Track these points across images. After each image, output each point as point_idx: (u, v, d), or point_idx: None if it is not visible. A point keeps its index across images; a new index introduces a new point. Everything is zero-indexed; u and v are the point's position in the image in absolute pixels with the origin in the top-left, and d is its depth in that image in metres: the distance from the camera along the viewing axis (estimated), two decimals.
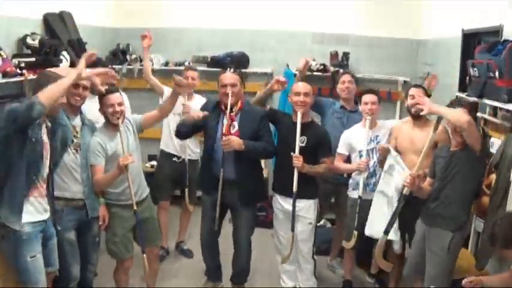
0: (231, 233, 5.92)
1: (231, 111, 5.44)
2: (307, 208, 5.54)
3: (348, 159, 6.03)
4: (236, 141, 5.27)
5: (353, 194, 5.98)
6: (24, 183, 4.25)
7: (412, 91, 5.56)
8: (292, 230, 5.44)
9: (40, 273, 4.40)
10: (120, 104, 5.04)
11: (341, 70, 8.17)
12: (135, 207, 5.08)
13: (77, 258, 4.99)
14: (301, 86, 5.53)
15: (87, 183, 4.93)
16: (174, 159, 6.87)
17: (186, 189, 6.84)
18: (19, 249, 4.29)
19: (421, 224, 4.99)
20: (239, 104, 5.53)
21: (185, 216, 7.21)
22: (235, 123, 5.48)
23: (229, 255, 6.04)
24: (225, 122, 5.45)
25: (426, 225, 4.92)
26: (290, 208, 5.48)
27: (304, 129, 5.33)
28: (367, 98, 5.85)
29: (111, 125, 5.07)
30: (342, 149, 6.00)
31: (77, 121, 4.91)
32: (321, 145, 5.49)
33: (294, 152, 5.24)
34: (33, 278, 4.36)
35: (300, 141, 5.30)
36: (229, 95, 5.35)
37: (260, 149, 5.48)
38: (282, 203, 5.65)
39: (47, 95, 4.07)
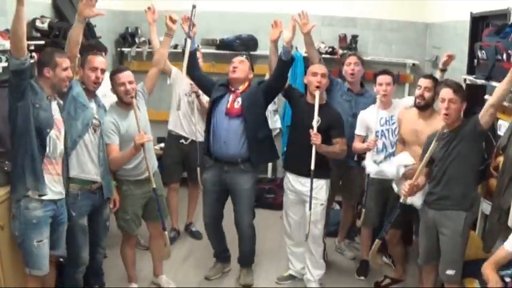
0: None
1: (237, 89, 5.58)
2: (318, 188, 5.55)
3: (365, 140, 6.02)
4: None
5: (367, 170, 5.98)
6: (37, 151, 4.29)
7: (421, 81, 5.48)
8: (310, 208, 5.43)
9: (45, 259, 4.46)
10: (130, 82, 5.08)
11: (349, 52, 8.19)
12: (153, 185, 5.18)
13: (87, 243, 5.02)
14: (318, 67, 5.58)
15: (104, 163, 4.97)
16: (181, 140, 6.88)
17: (198, 169, 6.71)
18: (27, 232, 4.35)
19: (428, 210, 4.95)
20: (245, 84, 5.64)
21: (193, 197, 7.26)
22: (239, 99, 5.57)
23: (234, 239, 6.13)
24: (230, 99, 5.58)
25: (435, 210, 4.88)
26: (301, 188, 5.56)
27: (318, 110, 5.34)
28: (382, 79, 5.87)
29: (123, 103, 5.13)
30: (359, 130, 6.03)
31: (93, 104, 4.93)
32: (334, 126, 5.50)
33: (308, 134, 5.26)
34: (37, 263, 4.43)
35: (314, 122, 5.31)
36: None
37: None
38: (293, 183, 5.68)
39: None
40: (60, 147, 4.52)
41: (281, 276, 6.23)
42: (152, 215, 5.48)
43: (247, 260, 6.11)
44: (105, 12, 5.00)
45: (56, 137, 4.46)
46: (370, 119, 5.89)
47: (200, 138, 6.65)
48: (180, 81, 6.73)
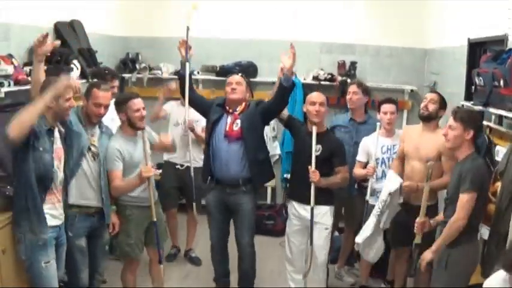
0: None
1: (235, 110, 5.59)
2: (323, 214, 5.57)
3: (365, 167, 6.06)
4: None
5: (371, 200, 6.02)
6: (39, 192, 4.32)
7: (427, 95, 5.64)
8: (311, 243, 5.51)
9: (54, 279, 4.49)
10: (144, 109, 5.22)
11: (348, 80, 8.24)
12: (154, 218, 5.29)
13: (86, 265, 5.03)
14: (316, 96, 5.61)
15: (105, 190, 5.01)
16: (177, 166, 6.98)
17: (194, 204, 6.79)
18: (34, 254, 4.37)
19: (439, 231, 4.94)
20: (243, 105, 5.65)
21: (192, 224, 7.26)
22: (238, 121, 5.58)
23: (233, 259, 6.11)
24: (229, 120, 5.59)
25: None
26: (306, 214, 5.56)
27: (319, 138, 5.39)
28: (387, 107, 5.96)
29: (129, 129, 5.21)
30: (360, 156, 6.09)
31: (95, 129, 4.99)
32: (335, 154, 5.53)
33: (310, 162, 5.31)
34: (47, 284, 4.44)
35: (315, 150, 5.35)
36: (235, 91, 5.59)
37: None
38: (297, 209, 5.68)
39: (16, 126, 4.07)
40: (61, 175, 4.57)
41: None
42: (153, 240, 5.48)
43: (247, 282, 6.05)
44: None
45: (57, 167, 4.51)
46: (371, 146, 5.96)
47: (195, 164, 6.70)
48: (176, 112, 6.92)
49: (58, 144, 4.52)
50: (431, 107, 5.43)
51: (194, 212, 6.82)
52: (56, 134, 4.52)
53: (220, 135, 5.60)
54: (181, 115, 6.75)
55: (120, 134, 5.24)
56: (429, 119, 5.43)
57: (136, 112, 5.14)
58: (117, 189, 5.10)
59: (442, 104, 5.51)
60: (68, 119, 4.69)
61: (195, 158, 6.74)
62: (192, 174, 6.63)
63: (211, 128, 5.70)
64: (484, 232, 5.12)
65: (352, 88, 6.44)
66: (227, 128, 5.57)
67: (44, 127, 4.33)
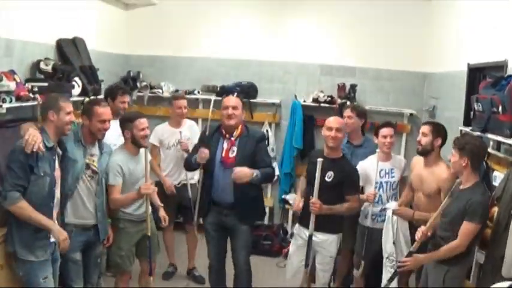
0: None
1: (231, 136, 5.57)
2: (329, 242, 5.59)
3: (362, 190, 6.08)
4: (244, 174, 5.36)
5: (364, 222, 6.09)
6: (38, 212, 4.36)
7: (422, 128, 5.62)
8: (306, 266, 5.57)
9: None
10: (148, 128, 5.44)
11: (348, 102, 8.26)
12: (149, 233, 5.48)
13: (81, 278, 5.08)
14: (334, 121, 5.54)
15: (101, 208, 5.09)
16: (174, 184, 6.95)
17: (195, 226, 6.96)
18: (32, 271, 4.42)
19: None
20: (239, 129, 5.63)
21: (192, 242, 7.26)
22: (234, 148, 5.58)
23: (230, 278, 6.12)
24: (225, 146, 5.59)
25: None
26: (314, 238, 5.55)
27: (333, 164, 5.44)
28: (385, 131, 5.99)
29: (132, 147, 5.36)
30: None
31: (95, 149, 5.06)
32: (347, 182, 5.51)
33: (319, 189, 5.33)
34: None
35: (327, 176, 5.39)
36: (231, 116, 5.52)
37: (264, 176, 5.56)
38: (306, 233, 5.63)
39: (21, 212, 4.29)
40: (58, 195, 4.64)
41: None
42: (144, 252, 5.63)
43: None
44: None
45: (55, 188, 4.58)
46: (369, 170, 5.99)
47: (192, 181, 6.88)
48: (167, 136, 6.98)
49: (56, 166, 4.58)
50: (424, 141, 5.44)
51: (195, 230, 6.87)
52: (56, 155, 4.59)
53: (217, 161, 5.61)
54: (172, 137, 6.88)
55: (123, 151, 5.38)
56: (426, 153, 5.46)
57: (141, 131, 5.31)
58: (115, 202, 5.23)
59: (436, 132, 5.48)
60: (64, 146, 4.78)
61: (193, 176, 6.84)
62: (190, 192, 6.69)
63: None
64: (480, 257, 5.14)
65: (347, 112, 6.51)
66: (223, 154, 5.59)
67: (45, 145, 4.37)
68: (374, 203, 5.94)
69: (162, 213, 5.88)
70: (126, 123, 5.36)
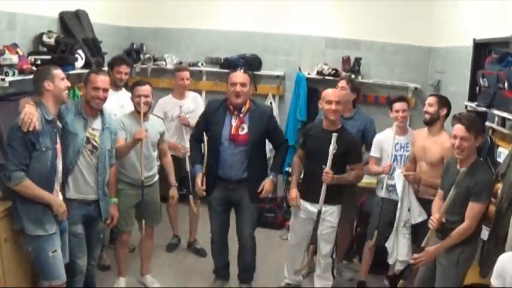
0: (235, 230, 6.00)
1: (240, 112, 5.53)
2: (330, 212, 5.64)
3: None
4: (269, 184, 5.72)
5: (379, 193, 6.13)
6: (42, 187, 4.38)
7: (428, 99, 5.67)
8: (312, 243, 5.68)
9: (61, 267, 4.56)
10: (146, 96, 5.59)
11: (353, 75, 8.23)
12: (142, 177, 5.61)
13: (84, 252, 5.08)
14: (332, 94, 5.57)
15: (102, 186, 5.07)
16: (177, 157, 6.92)
17: (191, 197, 6.95)
18: (41, 245, 4.41)
19: (435, 238, 4.94)
20: (247, 104, 5.58)
21: (194, 215, 7.26)
22: (245, 125, 5.55)
23: (233, 253, 6.16)
24: (233, 123, 5.55)
25: (437, 238, 4.90)
26: (313, 210, 5.61)
27: (332, 136, 5.43)
28: (398, 106, 5.98)
29: (136, 113, 5.56)
30: (374, 152, 6.15)
31: (97, 124, 5.02)
32: (350, 152, 5.56)
33: (325, 161, 5.36)
34: (56, 272, 4.51)
35: (330, 149, 5.39)
36: (239, 93, 5.46)
37: (282, 164, 5.90)
38: (307, 206, 5.72)
39: (26, 191, 4.32)
40: (60, 168, 4.63)
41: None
42: (145, 217, 5.76)
43: (247, 274, 6.10)
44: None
45: (58, 162, 4.57)
46: (385, 142, 6.03)
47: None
48: (170, 108, 6.97)
49: (57, 140, 4.56)
50: (431, 110, 5.50)
51: (192, 205, 6.91)
52: (56, 128, 4.56)
53: (225, 137, 5.58)
54: (175, 109, 6.89)
55: (129, 115, 5.65)
56: (432, 122, 5.46)
57: (136, 98, 5.59)
58: (118, 150, 5.35)
59: (441, 103, 5.53)
60: (65, 120, 4.78)
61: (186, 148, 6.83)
62: (188, 166, 6.76)
63: (213, 128, 5.68)
64: (484, 233, 5.14)
65: (341, 83, 6.52)
66: (233, 131, 5.54)
67: (45, 119, 4.35)
68: (389, 174, 5.95)
69: (172, 192, 6.14)
70: (131, 89, 5.71)
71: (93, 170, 4.98)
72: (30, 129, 4.18)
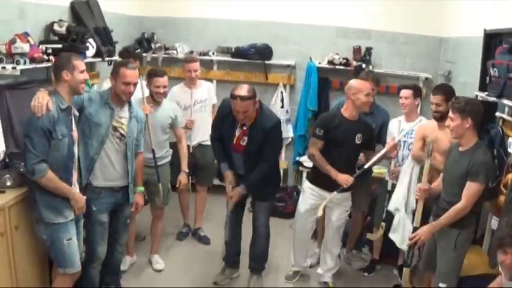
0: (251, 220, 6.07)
1: (244, 125, 5.56)
2: (344, 199, 5.85)
3: None
4: (236, 195, 5.69)
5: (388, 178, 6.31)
6: (59, 175, 4.38)
7: (432, 98, 5.63)
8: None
9: (76, 255, 4.59)
10: (164, 87, 6.02)
11: (363, 65, 8.23)
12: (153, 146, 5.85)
13: (105, 239, 5.14)
14: (369, 86, 5.78)
15: (131, 172, 5.13)
16: (188, 143, 6.93)
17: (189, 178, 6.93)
18: (55, 232, 4.44)
19: (434, 220, 5.00)
20: (253, 118, 5.55)
21: (200, 202, 7.34)
22: (245, 138, 5.58)
23: (245, 245, 6.20)
24: (237, 133, 5.61)
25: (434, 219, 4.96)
26: (324, 194, 5.74)
27: (358, 126, 5.67)
28: (402, 93, 6.19)
29: (150, 99, 5.97)
30: (388, 137, 6.22)
31: (124, 113, 5.06)
32: (370, 140, 5.79)
33: (348, 150, 5.67)
34: (70, 261, 4.54)
35: (357, 139, 5.64)
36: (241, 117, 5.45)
37: (258, 178, 5.66)
38: (321, 193, 5.82)
39: (48, 184, 4.34)
40: (76, 156, 4.64)
41: (288, 275, 6.38)
42: (152, 197, 5.98)
43: (259, 264, 6.15)
44: None
45: (75, 149, 4.58)
46: (392, 127, 6.22)
47: (205, 142, 6.92)
48: (182, 97, 7.01)
49: (74, 127, 4.55)
50: (440, 109, 5.47)
51: (188, 189, 7.01)
52: (72, 115, 4.55)
53: (229, 140, 5.67)
54: (187, 99, 6.92)
55: (142, 100, 5.73)
56: (443, 119, 5.43)
57: (156, 88, 5.95)
58: None
59: (449, 100, 5.45)
60: (85, 110, 4.82)
61: (204, 136, 6.88)
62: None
63: (224, 134, 5.74)
64: (494, 223, 5.15)
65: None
66: (234, 142, 5.62)
67: (60, 107, 4.35)
68: (398, 161, 6.16)
69: (181, 176, 6.33)
70: (149, 78, 6.01)
71: (120, 157, 5.03)
72: (43, 113, 4.20)
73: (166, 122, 6.02)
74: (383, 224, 6.05)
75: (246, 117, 5.42)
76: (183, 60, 7.23)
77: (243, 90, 5.32)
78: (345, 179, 5.62)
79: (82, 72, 4.50)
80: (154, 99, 5.95)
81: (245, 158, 5.65)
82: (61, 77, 4.42)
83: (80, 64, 4.50)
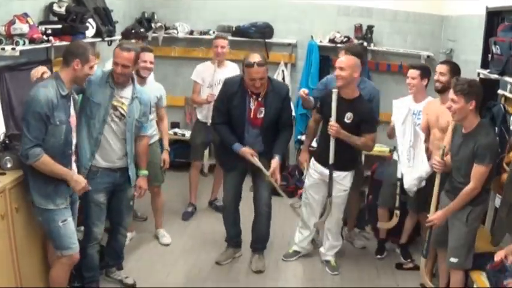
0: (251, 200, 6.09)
1: (258, 96, 5.54)
2: (343, 177, 5.80)
3: None
4: (277, 167, 5.69)
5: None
6: (56, 160, 4.35)
7: (437, 67, 5.64)
8: (330, 195, 5.77)
9: (72, 237, 4.55)
10: (151, 62, 5.85)
11: (365, 43, 8.21)
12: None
13: (102, 220, 5.13)
14: (338, 61, 5.67)
15: (131, 154, 5.11)
16: (205, 123, 7.08)
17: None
18: (51, 217, 4.41)
19: (445, 196, 5.02)
20: (265, 88, 5.55)
21: (218, 177, 7.34)
22: (262, 109, 5.57)
23: (246, 224, 6.22)
24: (252, 106, 5.58)
25: (449, 198, 4.94)
26: (322, 169, 5.80)
27: (350, 105, 5.55)
28: (408, 72, 6.06)
29: (138, 78, 5.55)
30: (392, 117, 6.14)
31: (126, 93, 5.02)
32: (365, 121, 5.61)
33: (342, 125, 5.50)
34: (66, 242, 4.50)
35: (346, 118, 5.52)
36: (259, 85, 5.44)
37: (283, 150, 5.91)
38: (322, 170, 5.83)
39: (44, 167, 4.28)
40: (75, 140, 4.61)
41: (287, 253, 6.40)
42: (150, 176, 5.74)
43: (260, 243, 6.18)
44: None
45: (73, 134, 4.55)
46: (399, 107, 6.06)
47: None
48: (209, 74, 7.08)
49: (72, 112, 4.52)
50: (443, 79, 5.48)
51: (205, 169, 7.37)
52: (71, 101, 4.52)
53: (243, 117, 5.64)
54: (210, 77, 7.00)
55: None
56: (444, 90, 5.42)
57: (141, 62, 5.61)
58: None
59: (453, 72, 5.47)
60: (89, 91, 4.81)
61: None
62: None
63: (235, 113, 5.68)
64: (497, 201, 5.16)
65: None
66: (251, 115, 5.60)
67: (60, 93, 4.30)
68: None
69: (164, 155, 6.36)
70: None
71: (118, 137, 5.00)
72: (38, 76, 4.30)
73: (152, 102, 5.84)
74: (397, 212, 6.00)
75: (262, 84, 5.43)
76: (216, 37, 7.28)
77: (256, 57, 5.36)
78: (302, 159, 6.11)
79: (91, 68, 4.47)
80: (141, 75, 5.75)
81: (262, 132, 5.66)
82: (71, 64, 4.35)
83: (93, 60, 4.48)
